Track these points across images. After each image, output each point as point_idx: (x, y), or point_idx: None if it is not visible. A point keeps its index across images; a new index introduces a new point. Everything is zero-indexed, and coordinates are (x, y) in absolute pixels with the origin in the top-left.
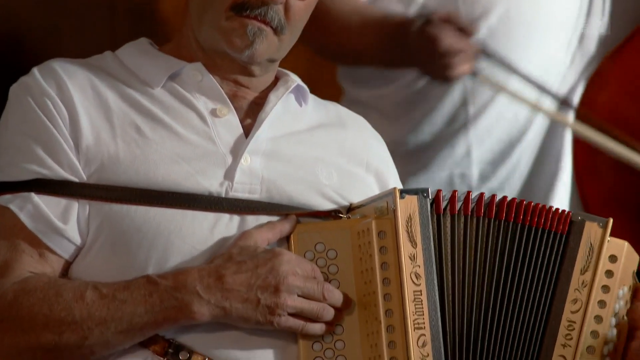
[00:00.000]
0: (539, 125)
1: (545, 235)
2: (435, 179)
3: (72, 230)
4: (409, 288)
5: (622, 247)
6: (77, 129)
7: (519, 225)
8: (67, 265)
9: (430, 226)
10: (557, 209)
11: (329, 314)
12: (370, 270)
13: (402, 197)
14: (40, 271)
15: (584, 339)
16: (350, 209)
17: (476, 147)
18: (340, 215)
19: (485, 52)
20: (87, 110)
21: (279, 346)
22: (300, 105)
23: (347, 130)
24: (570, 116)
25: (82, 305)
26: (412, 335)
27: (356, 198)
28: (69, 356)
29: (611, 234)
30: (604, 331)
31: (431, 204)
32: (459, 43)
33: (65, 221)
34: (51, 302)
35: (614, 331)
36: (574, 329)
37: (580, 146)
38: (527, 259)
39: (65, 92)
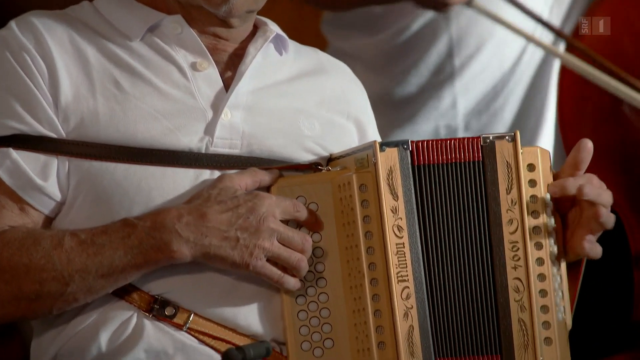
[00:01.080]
0: (524, 74)
1: (461, 166)
2: (421, 130)
3: (52, 187)
4: (391, 241)
5: (535, 153)
6: (56, 85)
7: (433, 165)
8: (49, 220)
9: (411, 178)
10: (465, 139)
11: (307, 267)
12: (352, 224)
13: (382, 150)
14: (20, 225)
15: (530, 255)
16: (330, 159)
17: (462, 97)
18: (321, 167)
19: None
20: (66, 65)
21: (264, 301)
22: (281, 54)
23: (328, 77)
24: (562, 48)
25: (61, 252)
26: (396, 288)
27: (337, 148)
28: (53, 305)
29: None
30: (545, 240)
31: (411, 155)
32: None
33: (44, 178)
34: (30, 251)
35: (554, 233)
36: (518, 248)
37: (565, 97)
38: (451, 194)
39: (44, 46)
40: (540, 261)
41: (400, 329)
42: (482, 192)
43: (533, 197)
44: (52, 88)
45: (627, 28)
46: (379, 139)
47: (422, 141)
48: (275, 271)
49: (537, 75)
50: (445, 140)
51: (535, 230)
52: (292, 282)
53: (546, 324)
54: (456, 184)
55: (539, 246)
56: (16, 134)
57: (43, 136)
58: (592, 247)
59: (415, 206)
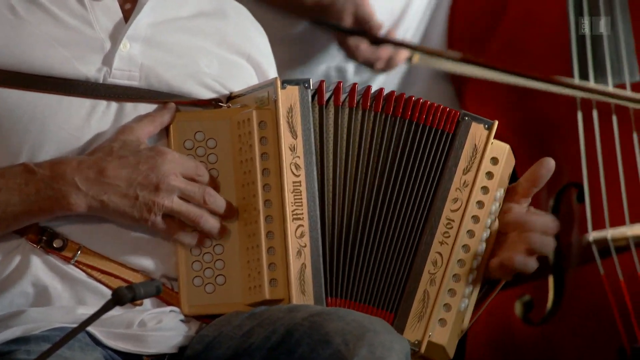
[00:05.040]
0: (414, 20)
1: (432, 133)
2: (313, 72)
3: None
4: (288, 179)
5: (504, 150)
6: None
7: (406, 121)
8: None
9: (311, 117)
10: (445, 108)
11: (207, 222)
12: (250, 161)
13: (283, 87)
14: None
15: (461, 238)
16: (230, 97)
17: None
18: (221, 104)
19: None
20: None
21: (156, 244)
22: None
23: (229, 20)
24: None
25: None
26: (290, 226)
27: (237, 87)
28: None
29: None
30: (480, 231)
31: (313, 95)
32: (376, 52)
33: None
34: None
35: (488, 231)
36: (452, 227)
37: (458, 44)
38: (412, 155)
39: None
40: (466, 248)
41: (292, 266)
42: (438, 162)
43: (485, 188)
44: None
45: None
46: None
47: (402, 95)
48: (172, 227)
49: (428, 18)
50: (426, 102)
51: (474, 219)
52: (188, 239)
53: (447, 307)
54: (410, 142)
55: (471, 234)
56: None
57: None
58: (524, 262)
59: (315, 146)
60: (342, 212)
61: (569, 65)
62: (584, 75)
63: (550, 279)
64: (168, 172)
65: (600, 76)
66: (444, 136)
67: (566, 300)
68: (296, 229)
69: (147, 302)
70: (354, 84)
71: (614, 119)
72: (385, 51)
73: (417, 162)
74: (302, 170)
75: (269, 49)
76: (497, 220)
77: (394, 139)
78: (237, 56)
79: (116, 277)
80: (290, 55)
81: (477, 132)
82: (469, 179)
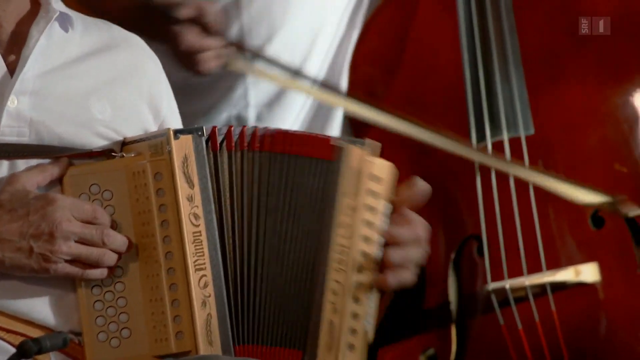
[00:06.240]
0: (315, 68)
1: (313, 163)
2: (214, 121)
3: None
4: (187, 229)
5: (384, 167)
6: None
7: (285, 155)
8: None
9: (207, 165)
10: (322, 136)
11: (110, 259)
12: (148, 212)
13: (176, 137)
14: None
15: (355, 261)
16: (124, 144)
17: (253, 88)
18: (114, 154)
19: (238, 47)
20: None
21: (59, 291)
22: (67, 31)
23: (120, 52)
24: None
25: None
26: (193, 277)
27: (131, 130)
28: None
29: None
30: (373, 251)
31: (207, 142)
32: (203, 41)
33: None
34: None
35: (382, 249)
36: (345, 252)
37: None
38: (297, 188)
39: None
40: (362, 269)
41: (198, 317)
42: (321, 191)
43: (371, 208)
44: None
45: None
46: (175, 114)
47: (267, 129)
48: (76, 269)
49: (327, 66)
50: (296, 132)
51: (365, 240)
52: (97, 273)
53: (354, 331)
54: (292, 176)
55: (364, 256)
56: None
57: None
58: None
59: (212, 194)
60: (241, 257)
61: (466, 118)
62: (479, 128)
63: (453, 330)
64: (60, 218)
65: (496, 129)
66: (324, 164)
67: (469, 352)
68: (199, 280)
69: (53, 357)
70: (243, 127)
71: (511, 177)
72: (214, 42)
73: (302, 194)
74: (202, 219)
75: (164, 79)
76: None
77: (277, 176)
78: (131, 93)
79: (22, 335)
80: (195, 106)
81: (355, 154)
82: (354, 202)
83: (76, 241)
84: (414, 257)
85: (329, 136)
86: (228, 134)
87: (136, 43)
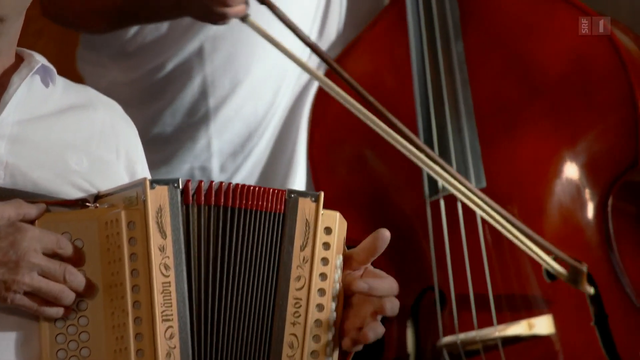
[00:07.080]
0: (276, 115)
1: (264, 216)
2: (176, 172)
3: None
4: (157, 279)
5: (334, 218)
6: None
7: (238, 209)
8: None
9: (180, 217)
10: (272, 189)
11: (69, 297)
12: (119, 261)
13: (152, 187)
14: None
15: (311, 314)
16: (98, 196)
17: (216, 139)
18: (88, 204)
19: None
20: None
21: (22, 327)
22: (47, 86)
23: (97, 113)
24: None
25: None
26: (160, 327)
27: (106, 185)
28: None
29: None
30: (328, 303)
31: (181, 194)
32: None
33: None
34: None
35: (337, 299)
36: (301, 305)
37: (317, 144)
38: (250, 242)
39: None
40: (318, 323)
41: None
42: (276, 244)
43: (324, 259)
44: None
45: (388, 62)
46: (149, 177)
47: (229, 184)
48: (32, 303)
49: (288, 116)
50: (253, 187)
51: (320, 292)
52: (53, 312)
53: None
54: (248, 230)
55: (320, 308)
56: None
57: None
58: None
59: (183, 246)
60: (205, 311)
61: (418, 170)
62: (432, 182)
63: None
64: (28, 248)
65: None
66: (276, 217)
67: None
68: (165, 330)
69: None
70: (211, 182)
71: (462, 230)
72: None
73: (256, 248)
74: (172, 270)
75: (139, 143)
76: (341, 286)
77: (229, 229)
78: (107, 151)
79: None
80: (156, 155)
81: (305, 206)
82: (307, 254)
83: (39, 274)
84: (390, 309)
85: (284, 190)
86: (198, 188)
87: (113, 106)
